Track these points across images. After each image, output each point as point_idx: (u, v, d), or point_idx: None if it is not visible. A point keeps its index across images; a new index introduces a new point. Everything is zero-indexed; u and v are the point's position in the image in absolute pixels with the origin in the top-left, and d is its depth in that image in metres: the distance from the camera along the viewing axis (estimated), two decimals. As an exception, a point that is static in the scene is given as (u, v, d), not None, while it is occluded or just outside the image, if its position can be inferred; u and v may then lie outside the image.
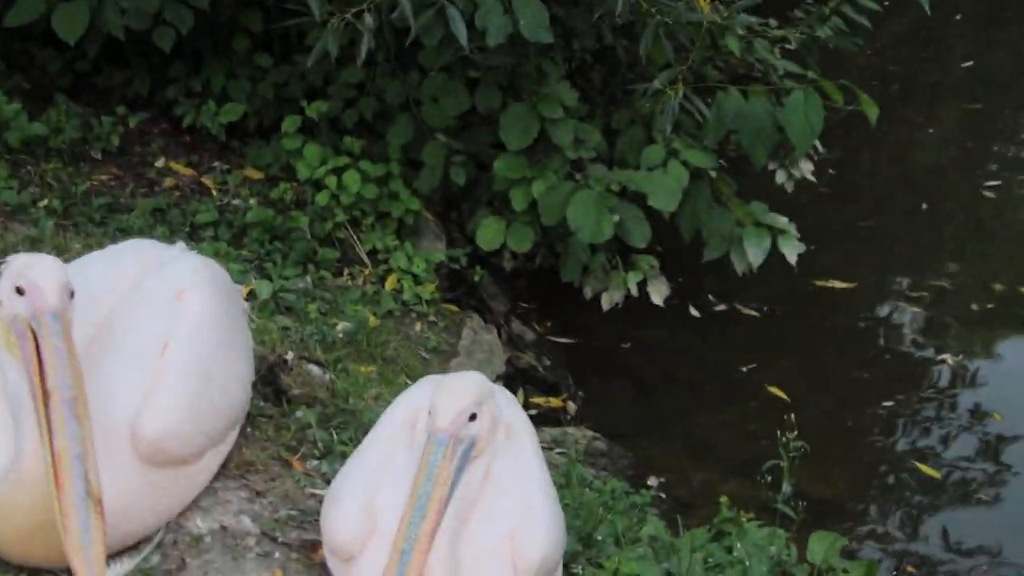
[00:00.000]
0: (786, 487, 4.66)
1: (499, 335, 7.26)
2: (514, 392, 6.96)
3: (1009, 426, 7.02)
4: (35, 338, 3.33)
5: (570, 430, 6.70)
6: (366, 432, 4.45)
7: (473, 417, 3.43)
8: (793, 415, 5.01)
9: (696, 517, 6.19)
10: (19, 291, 3.36)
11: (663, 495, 6.20)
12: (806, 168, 7.95)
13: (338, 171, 6.82)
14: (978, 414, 7.15)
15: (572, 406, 7.08)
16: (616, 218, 6.73)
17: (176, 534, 3.89)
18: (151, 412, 3.66)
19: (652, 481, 6.34)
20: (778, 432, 7.04)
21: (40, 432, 3.25)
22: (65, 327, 3.34)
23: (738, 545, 4.40)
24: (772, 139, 7.29)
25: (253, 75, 7.43)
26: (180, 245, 4.41)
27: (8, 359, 3.42)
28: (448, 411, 3.40)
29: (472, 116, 7.17)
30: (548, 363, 7.45)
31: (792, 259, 7.29)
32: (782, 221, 7.38)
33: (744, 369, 7.47)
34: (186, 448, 3.77)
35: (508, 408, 3.79)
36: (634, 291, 7.18)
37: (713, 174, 7.41)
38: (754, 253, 7.27)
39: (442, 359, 6.53)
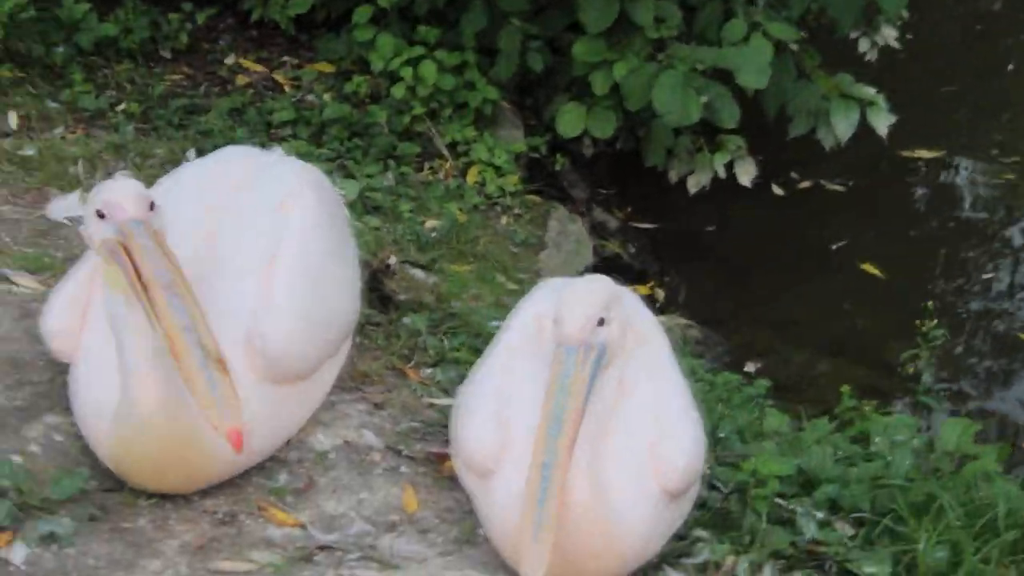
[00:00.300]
0: (927, 377, 4.54)
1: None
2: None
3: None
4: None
5: (662, 319, 6.59)
6: (477, 337, 4.43)
7: (602, 323, 3.31)
8: (930, 303, 4.85)
9: (802, 402, 6.14)
10: (100, 215, 3.30)
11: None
12: (890, 35, 7.73)
13: (413, 62, 6.67)
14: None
15: (660, 293, 6.97)
16: (704, 99, 6.55)
17: (300, 451, 3.83)
18: (266, 329, 3.59)
19: (750, 367, 6.25)
20: (869, 309, 7.06)
21: (148, 319, 3.19)
22: (150, 230, 3.27)
23: (876, 439, 4.28)
24: (859, 4, 7.09)
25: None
26: (278, 151, 4.31)
27: (114, 297, 3.36)
28: (576, 318, 3.27)
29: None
30: (633, 250, 7.34)
31: (883, 131, 7.13)
32: (870, 92, 7.21)
33: (834, 247, 7.35)
34: (303, 363, 3.70)
35: (637, 311, 3.68)
36: (721, 173, 7.03)
37: (795, 47, 7.20)
38: (842, 127, 7.10)
39: (530, 252, 6.44)
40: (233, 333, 3.54)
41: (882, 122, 7.13)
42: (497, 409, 3.46)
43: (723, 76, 6.74)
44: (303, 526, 3.57)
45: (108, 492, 3.56)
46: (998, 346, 6.74)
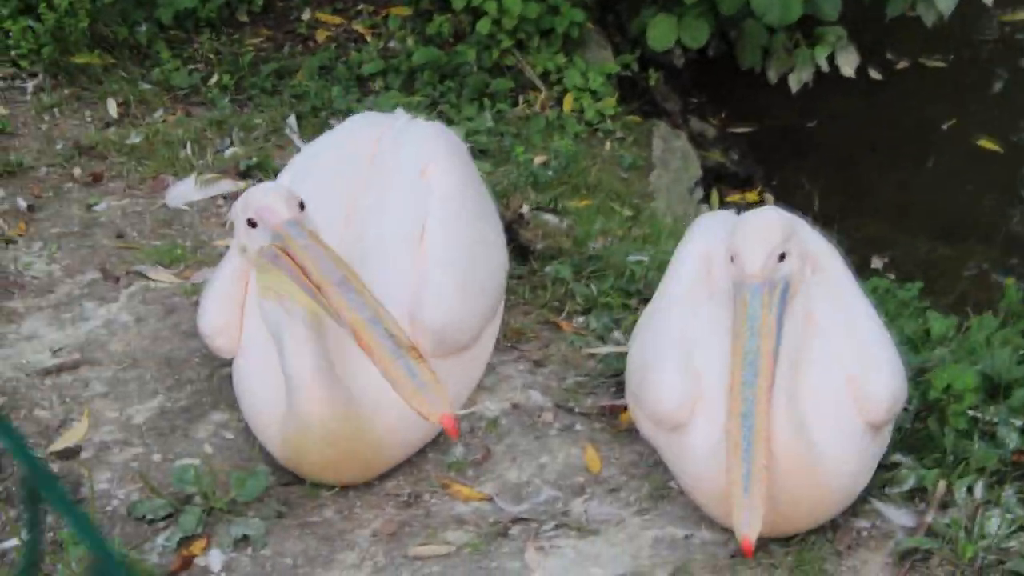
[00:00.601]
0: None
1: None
2: (707, 193, 6.77)
3: None
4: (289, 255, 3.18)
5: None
6: (621, 277, 4.31)
7: (782, 257, 3.19)
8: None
9: (942, 293, 5.99)
10: (252, 224, 3.20)
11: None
12: None
13: (496, -6, 6.51)
14: None
15: (770, 197, 6.79)
16: (805, -6, 6.34)
17: (470, 420, 3.76)
18: (428, 306, 3.52)
19: (876, 263, 6.11)
20: (992, 186, 6.86)
21: (330, 314, 3.11)
22: (308, 230, 3.18)
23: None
24: None
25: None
26: (401, 113, 4.20)
27: (268, 304, 3.28)
28: (757, 255, 3.14)
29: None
30: (736, 157, 7.17)
31: (989, 1, 6.88)
32: (970, -42, 6.95)
33: (944, 126, 7.12)
34: (467, 334, 3.62)
35: (809, 237, 3.54)
36: (824, 66, 6.83)
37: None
38: (945, 2, 6.83)
39: (640, 175, 6.29)
40: (395, 308, 3.45)
41: (992, -8, 6.89)
42: (683, 359, 3.35)
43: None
44: (490, 499, 3.50)
45: (288, 486, 3.53)
46: None
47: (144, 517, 3.38)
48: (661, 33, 6.73)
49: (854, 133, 7.21)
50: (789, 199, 6.76)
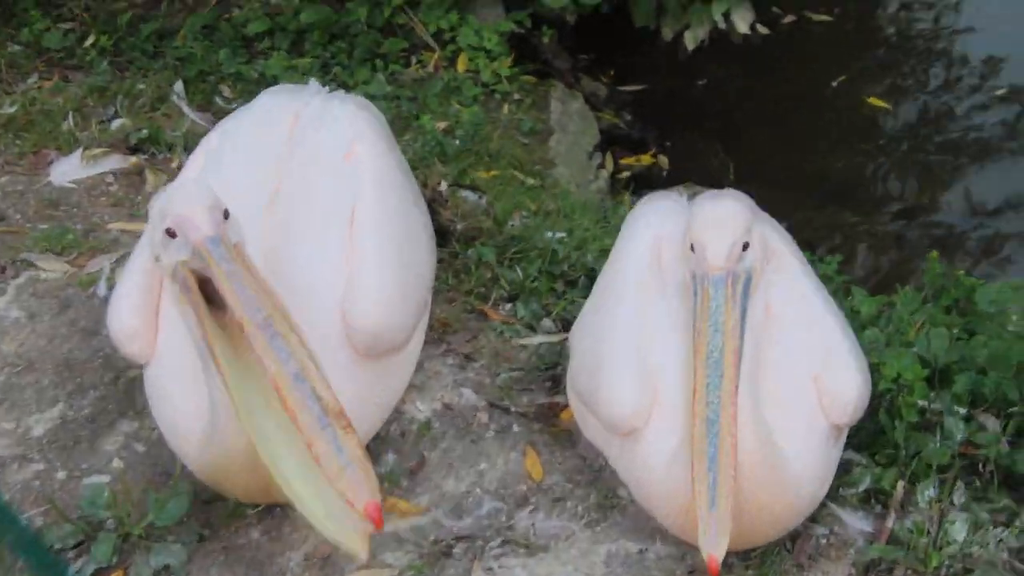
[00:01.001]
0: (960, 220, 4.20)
1: (577, 97, 6.69)
2: (603, 156, 6.50)
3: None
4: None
5: (674, 193, 6.22)
6: (545, 259, 4.05)
7: (746, 246, 2.94)
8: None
9: (852, 263, 5.83)
10: (170, 234, 2.82)
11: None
12: None
13: (386, -50, 6.17)
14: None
15: (664, 160, 6.57)
16: (701, -51, 6.10)
17: (400, 424, 3.48)
18: (362, 307, 3.16)
19: (778, 228, 5.90)
20: (883, 145, 6.72)
21: (257, 359, 2.75)
22: (230, 247, 2.80)
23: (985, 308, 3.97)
24: None
25: None
26: (315, 85, 3.83)
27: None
28: (721, 245, 2.89)
29: None
30: (628, 118, 6.91)
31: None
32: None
33: (834, 84, 6.95)
34: (402, 333, 3.29)
35: (766, 225, 3.28)
36: (721, 24, 6.60)
37: None
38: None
39: (540, 140, 6.02)
40: (323, 308, 3.14)
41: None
42: (637, 360, 3.07)
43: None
44: (429, 512, 3.20)
45: (209, 504, 3.20)
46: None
47: (52, 547, 3.01)
48: (555, -9, 6.43)
49: (747, 92, 7.04)
50: (685, 163, 6.57)
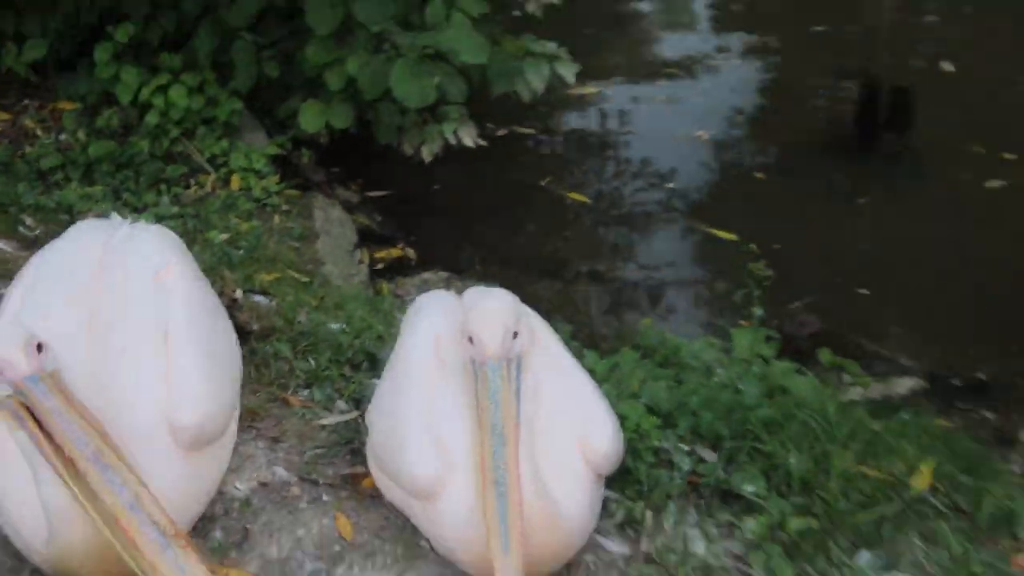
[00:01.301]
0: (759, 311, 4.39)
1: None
2: (360, 252, 6.51)
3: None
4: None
5: (426, 275, 6.28)
6: (336, 349, 4.03)
7: (515, 335, 3.00)
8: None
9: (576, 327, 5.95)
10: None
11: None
12: (550, -7, 7.53)
13: (162, 88, 6.04)
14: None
15: (411, 252, 6.60)
16: (436, 79, 6.16)
17: (223, 503, 3.37)
18: (184, 406, 3.09)
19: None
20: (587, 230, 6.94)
21: (83, 504, 2.63)
22: (49, 381, 2.68)
23: (692, 363, 4.14)
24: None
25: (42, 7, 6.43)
26: (117, 218, 3.73)
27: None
28: (495, 335, 2.95)
29: (267, 11, 6.42)
30: (379, 219, 6.93)
31: (571, 79, 6.92)
32: (552, 47, 6.97)
33: (543, 183, 7.14)
34: (220, 424, 3.23)
35: (526, 314, 3.34)
36: (452, 140, 6.68)
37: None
38: (536, 80, 6.83)
39: (308, 243, 5.97)
40: (146, 413, 3.05)
41: (569, 72, 6.91)
42: (431, 433, 3.08)
43: (443, 56, 6.36)
44: (259, 577, 3.13)
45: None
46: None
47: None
48: (311, 117, 6.43)
49: (473, 192, 7.12)
50: (429, 252, 6.62)
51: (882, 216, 6.63)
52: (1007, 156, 6.90)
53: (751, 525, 3.26)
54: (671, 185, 7.12)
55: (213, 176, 6.12)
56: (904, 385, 4.84)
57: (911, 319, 5.50)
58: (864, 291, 5.72)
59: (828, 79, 8.44)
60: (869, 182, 6.99)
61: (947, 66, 8.24)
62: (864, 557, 3.13)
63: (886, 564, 3.10)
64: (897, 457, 3.41)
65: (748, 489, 3.44)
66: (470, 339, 2.98)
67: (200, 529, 3.25)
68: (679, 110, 8.13)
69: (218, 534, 3.26)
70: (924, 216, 6.51)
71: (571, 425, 3.11)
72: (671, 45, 9.19)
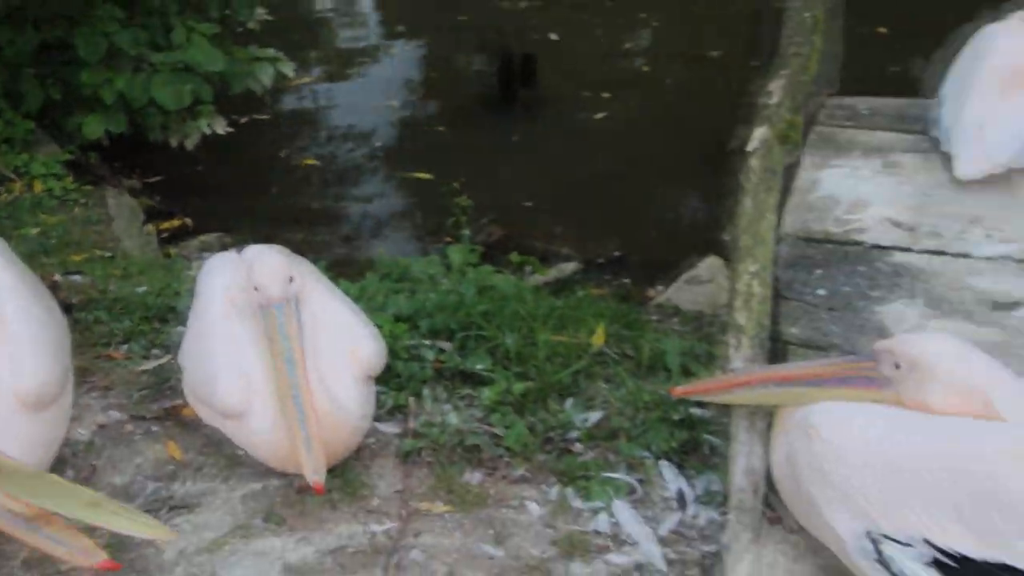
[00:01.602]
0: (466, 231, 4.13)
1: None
2: (148, 227, 5.85)
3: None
4: None
5: (203, 237, 5.70)
6: (144, 308, 3.56)
7: (291, 280, 2.67)
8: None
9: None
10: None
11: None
12: (260, 13, 6.99)
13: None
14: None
15: (189, 221, 5.98)
16: (189, 86, 5.55)
17: (70, 447, 2.90)
18: (27, 371, 2.60)
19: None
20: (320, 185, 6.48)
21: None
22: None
23: (420, 276, 3.89)
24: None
25: None
26: None
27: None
28: (275, 282, 2.64)
29: (45, 45, 5.61)
30: (159, 199, 6.23)
31: (291, 73, 6.50)
32: (272, 52, 6.48)
33: (281, 155, 6.62)
34: (59, 385, 2.72)
35: (297, 262, 2.98)
36: (207, 130, 6.08)
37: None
38: (265, 78, 6.35)
39: (106, 227, 5.28)
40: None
41: (288, 68, 6.52)
42: (235, 365, 2.70)
43: (191, 67, 5.74)
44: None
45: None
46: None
47: None
48: (93, 126, 5.73)
49: (227, 170, 6.47)
50: (199, 221, 6.02)
51: (530, 148, 6.54)
52: (604, 95, 6.94)
53: (487, 394, 3.08)
54: (377, 143, 6.74)
55: (19, 183, 5.31)
56: (568, 269, 4.78)
57: (564, 219, 5.44)
58: (528, 204, 5.63)
59: (474, 55, 8.25)
60: (516, 125, 6.87)
61: (553, 36, 8.19)
62: (569, 403, 3.02)
63: (585, 406, 3.00)
64: (580, 325, 3.30)
65: (479, 367, 3.25)
66: (255, 288, 2.64)
67: (53, 470, 2.74)
68: (370, 86, 7.72)
69: (70, 473, 2.81)
70: (558, 144, 6.48)
71: (342, 341, 2.81)
72: (354, 38, 8.72)
